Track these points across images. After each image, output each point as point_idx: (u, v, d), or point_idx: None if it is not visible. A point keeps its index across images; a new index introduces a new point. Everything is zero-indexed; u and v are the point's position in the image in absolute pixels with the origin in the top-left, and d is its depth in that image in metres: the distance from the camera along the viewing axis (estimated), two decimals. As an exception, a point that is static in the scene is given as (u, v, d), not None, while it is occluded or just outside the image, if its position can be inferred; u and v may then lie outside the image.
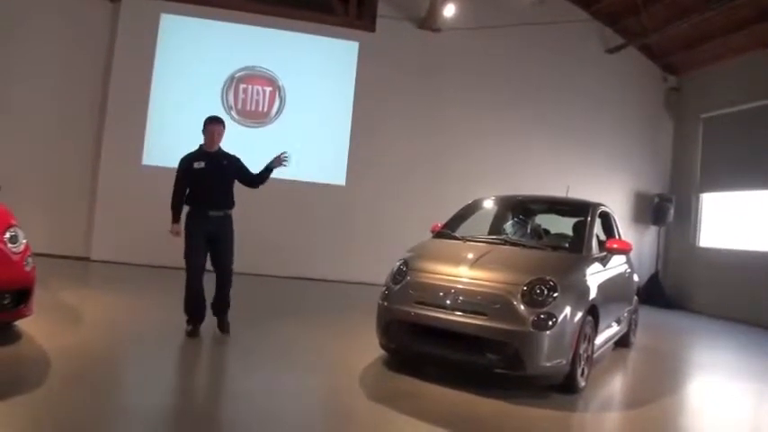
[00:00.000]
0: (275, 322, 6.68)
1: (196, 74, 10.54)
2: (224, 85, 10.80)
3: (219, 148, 5.72)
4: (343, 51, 11.10)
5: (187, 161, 5.62)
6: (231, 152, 5.82)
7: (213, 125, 5.66)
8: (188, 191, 5.59)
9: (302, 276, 10.42)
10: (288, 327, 6.51)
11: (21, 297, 4.62)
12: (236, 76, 10.87)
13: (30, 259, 4.78)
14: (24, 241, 4.79)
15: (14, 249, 4.65)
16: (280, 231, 10.58)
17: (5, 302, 4.50)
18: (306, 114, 10.92)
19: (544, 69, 11.73)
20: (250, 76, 10.93)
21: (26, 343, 4.72)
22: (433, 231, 5.84)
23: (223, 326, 5.66)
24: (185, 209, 5.60)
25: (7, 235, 4.65)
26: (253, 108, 10.90)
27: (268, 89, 10.94)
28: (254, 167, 10.28)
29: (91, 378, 4.11)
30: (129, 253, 9.77)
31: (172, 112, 10.26)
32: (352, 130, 11.02)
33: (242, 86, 10.89)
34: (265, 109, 10.92)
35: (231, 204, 5.69)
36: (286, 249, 10.58)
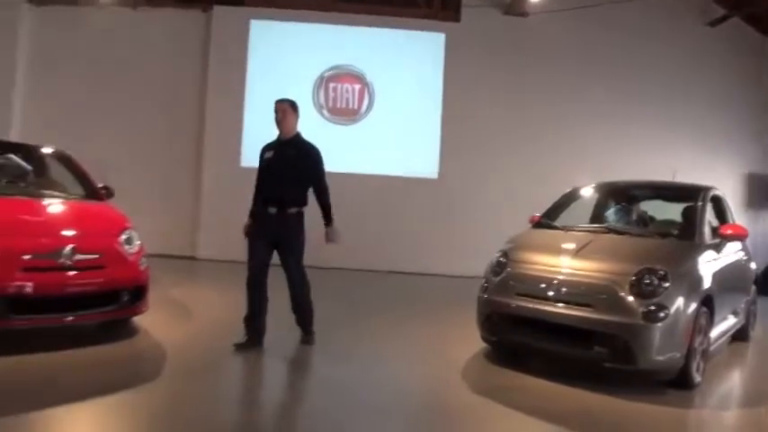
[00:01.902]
0: (374, 316, 6.75)
1: (287, 75, 10.79)
2: (314, 85, 11.01)
3: (297, 136, 5.05)
4: (430, 43, 11.02)
5: (263, 150, 5.13)
6: (318, 145, 5.13)
7: (277, 104, 5.04)
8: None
9: (399, 271, 10.45)
10: (387, 320, 6.57)
11: (137, 295, 4.92)
12: (326, 75, 11.05)
13: (144, 259, 5.08)
14: (138, 242, 5.09)
15: (130, 250, 4.95)
16: (375, 226, 10.65)
17: (124, 300, 4.80)
18: (395, 109, 10.94)
19: (638, 48, 11.14)
20: (339, 75, 11.08)
21: (143, 337, 5.03)
22: (531, 222, 5.70)
23: (306, 337, 5.09)
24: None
25: (123, 237, 4.96)
26: (343, 106, 11.04)
27: (357, 86, 11.05)
28: (348, 165, 10.47)
29: (203, 371, 4.30)
30: (232, 251, 10.13)
31: (266, 114, 10.50)
32: (442, 122, 10.91)
33: (331, 85, 11.05)
34: (355, 106, 11.04)
35: (299, 202, 4.92)
36: (382, 244, 10.64)
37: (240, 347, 4.74)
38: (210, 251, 10.43)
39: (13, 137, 10.76)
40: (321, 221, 5.04)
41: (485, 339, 5.05)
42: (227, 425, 3.43)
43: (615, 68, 11.10)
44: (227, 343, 4.78)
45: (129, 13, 11.28)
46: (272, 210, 4.82)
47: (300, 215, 4.92)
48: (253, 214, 5.01)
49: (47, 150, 6.22)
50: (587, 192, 6.04)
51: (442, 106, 10.92)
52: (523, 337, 4.67)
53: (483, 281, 5.03)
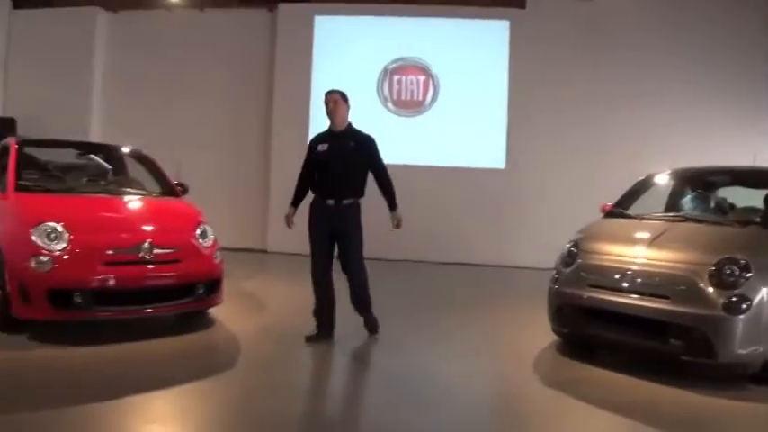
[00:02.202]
0: (442, 309, 6.74)
1: (351, 70, 10.86)
2: (379, 78, 11.04)
3: (349, 127, 4.94)
4: (494, 32, 10.84)
5: (313, 142, 5.03)
6: (379, 137, 5.06)
7: (326, 96, 4.91)
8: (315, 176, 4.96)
9: (466, 262, 10.37)
10: (455, 313, 6.54)
11: (212, 287, 5.08)
12: (390, 68, 11.06)
13: (218, 253, 5.24)
14: (212, 237, 5.26)
15: (205, 244, 5.12)
16: (441, 218, 10.61)
17: (199, 292, 4.96)
18: (460, 100, 10.84)
19: (716, 28, 10.61)
20: (403, 67, 11.07)
21: (218, 329, 5.20)
22: (603, 211, 5.55)
23: (369, 325, 5.06)
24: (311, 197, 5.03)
25: (198, 231, 5.14)
26: (408, 98, 11.03)
27: (421, 78, 11.02)
28: (414, 157, 10.45)
29: (275, 362, 4.40)
30: (301, 244, 10.31)
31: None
32: (509, 112, 10.72)
33: (396, 78, 11.06)
34: (420, 98, 11.01)
35: (357, 193, 4.88)
36: (449, 236, 10.58)
37: (311, 339, 4.80)
38: (280, 244, 10.65)
39: (93, 137, 11.34)
40: (386, 213, 5.05)
41: (556, 331, 4.96)
42: (296, 415, 3.51)
43: (689, 48, 10.58)
44: (297, 334, 4.88)
45: (197, 15, 11.64)
46: (330, 202, 4.79)
47: (358, 206, 4.90)
48: (294, 203, 5.05)
49: (125, 150, 6.51)
50: (662, 179, 5.81)
51: (508, 95, 10.73)
52: (596, 329, 4.56)
53: (553, 272, 4.94)
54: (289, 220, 5.05)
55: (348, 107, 4.93)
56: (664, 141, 10.21)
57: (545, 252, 7.25)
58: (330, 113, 4.87)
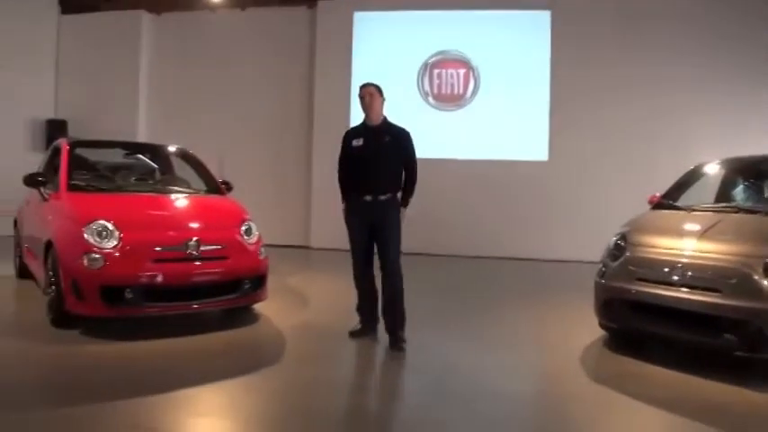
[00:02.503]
0: (485, 303, 6.70)
1: (391, 64, 10.85)
2: (419, 73, 11.00)
3: (385, 121, 4.81)
4: (535, 22, 10.67)
5: (348, 137, 4.89)
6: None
7: (361, 89, 4.79)
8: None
9: (509, 256, 10.28)
10: (498, 307, 6.50)
11: (257, 283, 5.15)
12: (430, 62, 11.01)
13: (262, 249, 5.31)
14: (257, 233, 5.33)
15: (249, 241, 5.19)
16: (484, 212, 10.54)
17: (245, 288, 5.03)
18: (501, 92, 10.72)
19: (759, 10, 10.21)
20: (443, 61, 11.01)
21: (264, 324, 5.28)
22: (651, 203, 5.42)
23: (396, 342, 4.59)
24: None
25: (243, 228, 5.21)
26: (448, 92, 10.96)
27: (462, 71, 10.93)
28: (455, 151, 10.38)
29: (319, 356, 4.44)
30: (343, 240, 10.39)
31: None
32: (551, 103, 10.55)
33: (436, 71, 11.00)
34: (461, 91, 10.93)
35: (394, 188, 4.74)
36: (491, 229, 10.50)
37: (354, 334, 4.81)
38: (323, 240, 10.73)
39: (140, 137, 11.62)
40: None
41: (603, 326, 4.88)
42: (339, 410, 3.54)
43: (743, 31, 10.19)
44: (341, 330, 4.91)
45: (239, 15, 11.82)
46: (368, 198, 4.66)
47: (396, 201, 4.75)
48: (347, 199, 4.86)
49: (171, 149, 6.64)
50: (712, 169, 5.64)
51: (549, 86, 10.56)
52: (644, 323, 4.45)
53: (600, 266, 4.84)
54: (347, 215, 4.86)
55: (383, 100, 4.80)
56: (714, 129, 9.91)
57: (590, 245, 7.14)
58: (366, 107, 4.75)
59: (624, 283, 4.50)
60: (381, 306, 4.75)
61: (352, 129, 5.01)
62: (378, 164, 4.65)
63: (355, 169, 4.75)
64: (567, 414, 3.52)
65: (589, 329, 5.03)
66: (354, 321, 4.91)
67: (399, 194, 4.76)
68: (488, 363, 4.46)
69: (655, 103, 10.25)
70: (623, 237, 4.76)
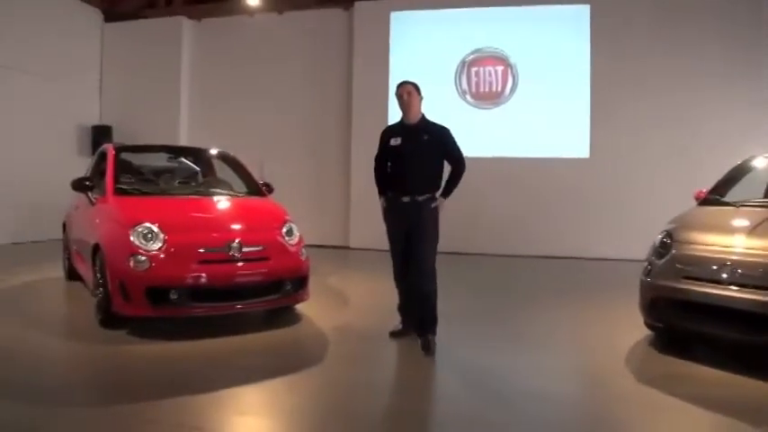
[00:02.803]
0: (528, 302, 6.62)
1: (428, 64, 10.84)
2: (456, 71, 10.96)
3: (423, 119, 4.72)
4: (573, 16, 10.52)
5: (385, 135, 4.81)
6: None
7: (399, 88, 4.72)
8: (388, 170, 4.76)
9: (550, 255, 10.17)
10: (541, 306, 6.42)
11: (299, 284, 5.20)
12: (467, 60, 10.96)
13: (303, 250, 5.35)
14: (298, 234, 5.38)
15: (291, 242, 5.24)
16: (523, 210, 10.45)
17: (287, 289, 5.08)
18: (540, 88, 10.60)
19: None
20: (481, 58, 10.94)
21: (306, 324, 5.31)
22: (697, 198, 5.28)
23: (426, 345, 4.46)
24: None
25: (284, 230, 5.26)
26: (486, 89, 10.89)
27: (500, 68, 10.85)
28: (494, 149, 10.28)
29: (361, 356, 4.45)
30: (382, 240, 10.42)
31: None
32: (591, 98, 10.39)
33: (473, 69, 10.94)
34: (499, 89, 10.84)
35: (433, 188, 4.64)
36: (532, 228, 10.40)
37: (395, 335, 4.77)
38: (362, 241, 10.78)
39: (182, 141, 11.85)
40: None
41: (649, 325, 4.78)
42: (380, 409, 3.54)
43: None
44: (382, 330, 4.90)
45: (276, 18, 11.97)
46: (405, 199, 4.57)
47: (435, 201, 4.62)
48: (385, 197, 4.75)
49: (213, 152, 6.75)
50: (762, 163, 5.46)
51: (590, 81, 10.40)
52: (692, 322, 4.33)
53: (645, 264, 4.73)
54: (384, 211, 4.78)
55: (421, 98, 4.72)
56: (761, 122, 9.60)
57: (634, 243, 7.01)
58: (404, 106, 4.68)
59: (671, 282, 4.39)
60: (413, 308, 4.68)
61: (390, 127, 4.93)
62: (416, 164, 4.55)
63: (393, 169, 4.70)
64: (614, 415, 3.46)
65: (634, 329, 4.93)
66: (395, 321, 4.90)
67: (438, 194, 4.66)
68: (531, 363, 4.41)
69: (698, 96, 9.99)
70: (669, 234, 4.64)
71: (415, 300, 4.61)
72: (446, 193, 4.68)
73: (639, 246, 5.18)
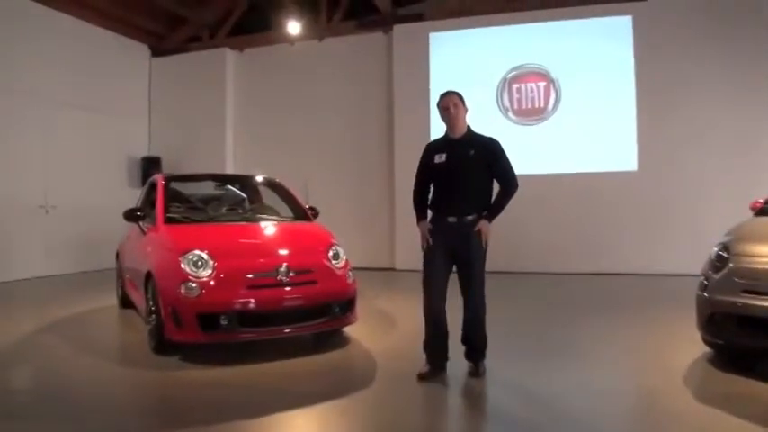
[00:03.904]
0: (580, 321, 6.48)
1: (469, 83, 10.77)
2: (497, 89, 10.92)
3: (469, 131, 4.38)
4: (616, 28, 10.38)
5: (428, 152, 4.44)
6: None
7: (444, 99, 4.38)
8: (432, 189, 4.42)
9: (601, 272, 9.95)
10: (594, 325, 6.27)
11: (346, 307, 5.21)
12: (509, 77, 10.91)
13: (350, 273, 5.37)
14: (344, 257, 5.40)
15: (337, 265, 5.27)
16: (573, 227, 10.28)
17: (335, 312, 5.10)
18: (584, 102, 10.46)
19: None
20: (522, 75, 10.88)
21: (354, 346, 5.32)
22: (753, 209, 5.11)
23: (478, 371, 4.34)
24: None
25: (331, 253, 5.30)
26: (529, 106, 10.81)
27: (542, 84, 10.76)
28: (540, 166, 10.15)
29: (411, 378, 4.38)
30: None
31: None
32: (637, 110, 10.18)
33: (515, 86, 10.89)
34: (542, 105, 10.75)
35: (481, 208, 4.27)
36: (580, 244, 10.22)
37: (424, 377, 4.26)
38: (408, 262, 10.74)
39: (228, 169, 12.10)
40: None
41: (707, 342, 4.62)
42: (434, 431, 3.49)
43: None
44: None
45: (317, 46, 12.18)
46: (452, 219, 4.24)
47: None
48: (421, 217, 4.41)
49: (259, 178, 6.88)
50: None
51: (635, 92, 10.21)
52: (754, 339, 4.15)
53: (701, 278, 4.57)
54: (427, 236, 4.32)
55: (466, 110, 4.40)
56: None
57: (688, 257, 6.82)
58: (450, 119, 4.33)
59: (729, 296, 4.24)
60: (462, 334, 4.36)
61: (433, 142, 4.52)
62: (462, 181, 4.23)
63: (438, 188, 4.36)
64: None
65: (691, 346, 4.77)
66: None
67: (485, 213, 4.27)
68: (584, 382, 4.30)
69: (751, 103, 9.69)
70: (726, 247, 4.49)
71: (463, 328, 4.32)
72: (491, 215, 4.27)
73: (693, 259, 5.02)
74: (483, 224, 4.22)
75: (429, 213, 4.44)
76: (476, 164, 4.24)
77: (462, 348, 4.41)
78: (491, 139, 4.39)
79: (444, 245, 4.26)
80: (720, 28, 9.86)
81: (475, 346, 4.36)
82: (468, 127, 4.41)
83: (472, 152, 4.25)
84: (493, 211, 4.28)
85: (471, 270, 4.22)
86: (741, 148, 9.65)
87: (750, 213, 5.11)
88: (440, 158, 4.31)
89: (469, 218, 4.22)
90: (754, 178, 7.98)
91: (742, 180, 8.91)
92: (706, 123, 9.86)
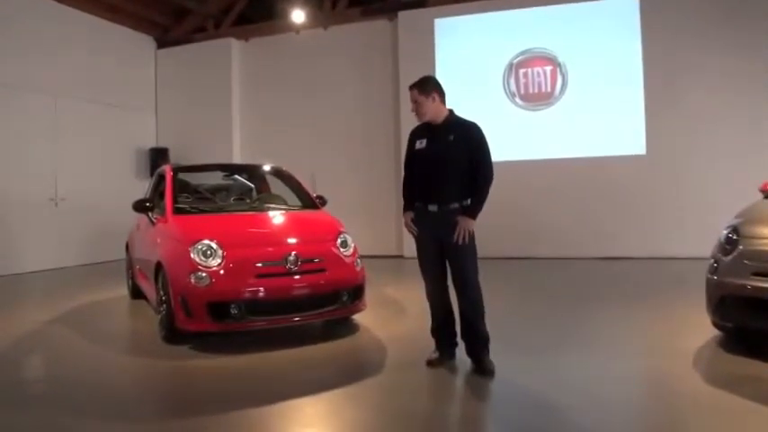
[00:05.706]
0: (590, 306, 6.47)
1: (475, 68, 10.78)
2: (504, 74, 10.85)
3: (449, 117, 4.18)
4: (622, 10, 10.26)
5: (411, 138, 4.30)
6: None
7: (410, 91, 4.18)
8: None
9: (608, 256, 9.93)
10: (601, 309, 6.26)
11: (355, 294, 5.23)
12: (515, 62, 10.84)
13: (359, 260, 5.38)
14: (353, 245, 5.42)
15: (345, 253, 5.28)
16: (580, 211, 10.24)
17: (344, 299, 5.12)
18: (592, 86, 10.39)
19: None
20: (528, 60, 10.81)
21: (364, 334, 5.34)
22: (763, 191, 5.06)
23: (482, 368, 4.08)
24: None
25: (339, 241, 5.32)
26: (535, 90, 10.74)
27: (548, 68, 10.69)
28: (547, 151, 10.10)
29: (421, 364, 4.39)
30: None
31: (458, 112, 10.63)
32: (645, 94, 10.10)
33: (521, 71, 10.81)
34: (548, 89, 10.67)
35: (463, 196, 4.05)
36: (589, 229, 10.19)
37: (432, 364, 4.26)
38: (415, 250, 10.74)
39: (236, 158, 12.14)
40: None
41: (717, 326, 4.61)
42: (442, 418, 3.51)
43: None
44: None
45: (321, 34, 12.16)
46: (432, 208, 4.09)
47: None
48: (407, 207, 4.31)
49: (266, 168, 6.89)
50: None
51: (643, 76, 10.11)
52: (764, 321, 4.14)
53: (711, 261, 4.55)
54: (411, 227, 4.28)
55: (437, 95, 4.13)
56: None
57: (697, 240, 6.79)
58: (415, 113, 4.18)
59: (739, 279, 4.22)
60: (460, 329, 4.24)
61: (416, 129, 4.30)
62: (443, 168, 4.04)
63: (419, 175, 4.18)
64: (681, 420, 3.34)
65: (700, 329, 4.77)
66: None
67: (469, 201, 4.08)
68: (593, 367, 4.30)
69: (761, 86, 9.59)
70: (735, 229, 4.46)
71: (461, 322, 4.21)
72: (474, 209, 4.05)
73: (702, 242, 5.00)
74: (462, 219, 4.03)
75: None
76: (455, 149, 4.05)
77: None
78: (473, 124, 4.17)
79: (430, 234, 4.15)
80: (729, 9, 9.74)
81: (476, 344, 4.16)
82: (451, 111, 4.23)
83: (452, 137, 4.07)
84: (474, 203, 4.07)
85: (458, 258, 4.09)
86: (751, 130, 9.57)
87: (760, 196, 5.07)
88: (420, 144, 4.19)
89: (451, 207, 4.05)
90: (765, 160, 7.92)
91: (752, 162, 8.84)
92: (715, 105, 9.77)
